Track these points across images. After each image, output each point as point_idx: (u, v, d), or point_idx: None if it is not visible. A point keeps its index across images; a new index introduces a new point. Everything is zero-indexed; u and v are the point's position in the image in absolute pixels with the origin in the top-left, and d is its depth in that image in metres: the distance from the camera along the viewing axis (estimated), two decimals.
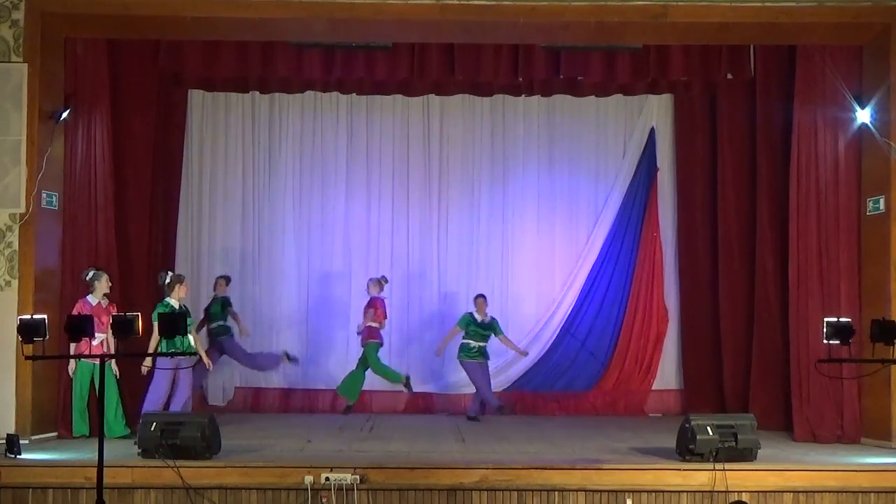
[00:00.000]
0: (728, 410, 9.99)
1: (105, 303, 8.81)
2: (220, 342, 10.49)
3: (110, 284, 8.89)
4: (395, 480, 7.05)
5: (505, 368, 11.25)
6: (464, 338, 10.42)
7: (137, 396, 9.29)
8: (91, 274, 8.75)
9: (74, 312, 8.38)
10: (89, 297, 8.72)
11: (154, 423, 7.34)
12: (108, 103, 9.24)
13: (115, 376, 8.78)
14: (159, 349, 8.25)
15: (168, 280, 8.92)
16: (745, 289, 10.26)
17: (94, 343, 8.41)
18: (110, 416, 8.67)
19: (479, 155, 11.61)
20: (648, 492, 7.06)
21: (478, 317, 10.40)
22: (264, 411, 11.15)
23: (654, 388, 11.38)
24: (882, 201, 8.74)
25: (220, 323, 10.54)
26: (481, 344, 10.42)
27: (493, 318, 10.51)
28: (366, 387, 11.25)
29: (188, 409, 8.99)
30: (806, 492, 7.09)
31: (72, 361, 8.54)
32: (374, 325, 10.50)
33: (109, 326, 6.24)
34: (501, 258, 11.54)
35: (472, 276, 11.48)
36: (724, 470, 7.04)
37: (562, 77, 10.39)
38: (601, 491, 7.05)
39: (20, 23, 8.51)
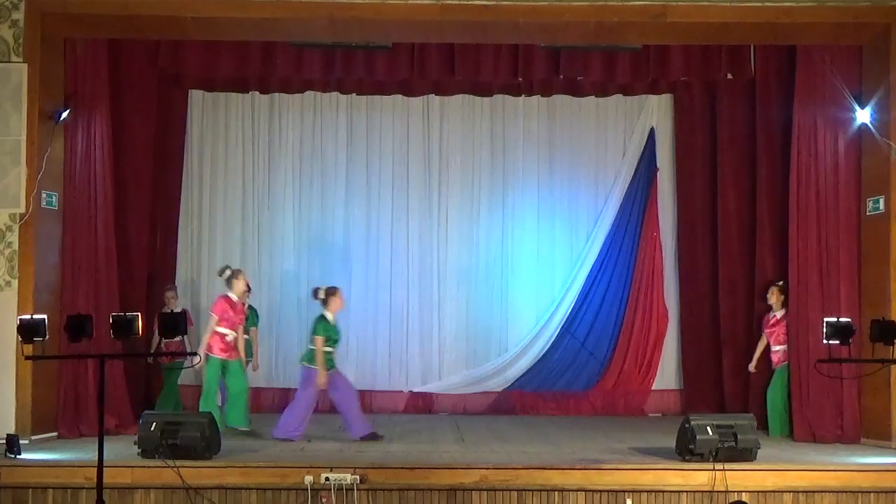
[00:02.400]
0: (728, 410, 9.99)
1: (246, 300, 8.86)
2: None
3: (248, 282, 9.00)
4: (394, 480, 7.05)
5: (504, 368, 11.25)
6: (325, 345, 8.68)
7: (137, 396, 9.35)
8: (228, 273, 8.82)
9: (216, 309, 8.75)
10: (230, 294, 8.82)
11: (154, 423, 7.34)
12: (108, 103, 9.23)
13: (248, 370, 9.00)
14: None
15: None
16: (745, 289, 10.26)
17: (229, 339, 8.72)
18: (240, 407, 8.85)
19: (478, 155, 11.61)
20: (648, 492, 7.06)
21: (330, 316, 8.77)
22: (264, 411, 11.13)
23: (654, 388, 11.39)
24: (882, 201, 8.73)
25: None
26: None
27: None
28: (365, 387, 11.27)
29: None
30: (806, 492, 7.08)
31: (200, 357, 8.68)
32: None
33: (110, 327, 6.23)
34: (501, 258, 11.54)
35: (471, 275, 11.48)
36: (724, 470, 7.03)
37: (562, 77, 10.40)
38: (601, 491, 7.04)
39: (20, 23, 8.50)
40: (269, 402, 11.31)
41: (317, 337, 8.53)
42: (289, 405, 8.90)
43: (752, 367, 9.63)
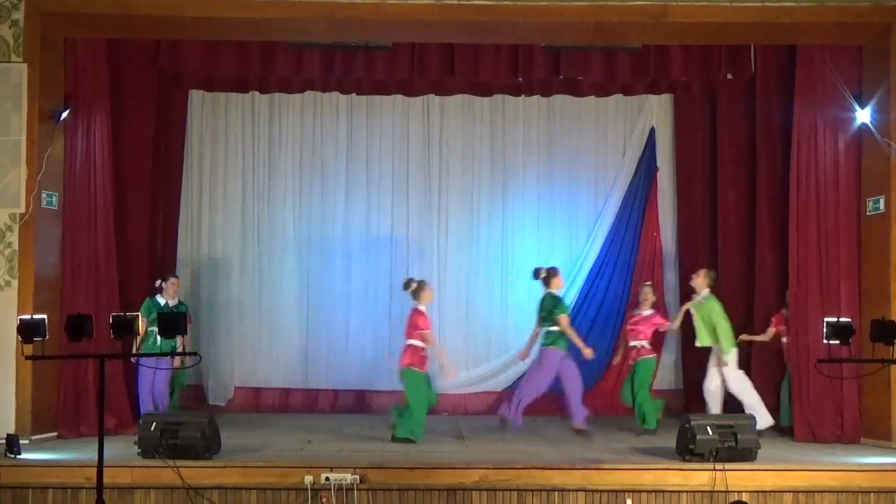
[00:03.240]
0: (728, 410, 9.98)
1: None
2: None
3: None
4: (394, 480, 7.06)
5: (504, 368, 11.24)
6: None
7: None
8: (415, 285, 8.86)
9: (423, 323, 8.73)
10: (421, 306, 8.83)
11: (154, 423, 7.34)
12: (108, 103, 9.24)
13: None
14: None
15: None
16: (745, 288, 10.26)
17: (426, 351, 8.77)
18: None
19: (478, 155, 11.60)
20: (648, 492, 7.06)
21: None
22: (264, 411, 11.15)
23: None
24: (882, 201, 8.74)
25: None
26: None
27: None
28: (365, 387, 11.30)
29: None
30: (806, 492, 7.09)
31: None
32: None
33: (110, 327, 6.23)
34: (501, 258, 11.53)
35: (471, 275, 11.48)
36: (724, 470, 7.04)
37: (562, 77, 10.39)
38: (601, 491, 7.05)
39: (20, 23, 8.51)
40: (269, 402, 11.31)
41: (563, 315, 8.83)
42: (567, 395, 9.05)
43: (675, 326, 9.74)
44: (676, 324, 9.72)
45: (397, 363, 8.89)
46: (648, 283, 9.98)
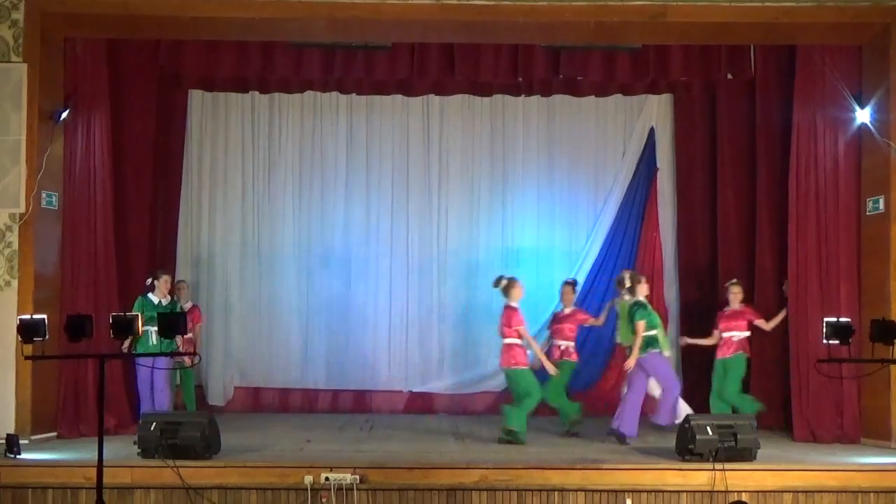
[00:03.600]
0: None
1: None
2: None
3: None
4: (394, 480, 7.05)
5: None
6: None
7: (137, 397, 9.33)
8: (505, 282, 8.85)
9: (520, 320, 8.69)
10: (513, 302, 8.81)
11: (154, 423, 7.34)
12: (108, 103, 9.23)
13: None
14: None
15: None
16: (745, 288, 10.24)
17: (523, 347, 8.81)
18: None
19: (478, 155, 11.60)
20: (648, 492, 7.06)
21: None
22: (264, 411, 11.15)
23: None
24: (882, 201, 8.74)
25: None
26: None
27: None
28: (365, 387, 11.29)
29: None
30: (805, 492, 7.09)
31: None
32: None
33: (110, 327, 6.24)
34: (501, 257, 11.51)
35: (471, 275, 11.47)
36: (723, 470, 7.04)
37: (561, 77, 10.39)
38: (601, 491, 7.05)
39: (20, 23, 8.51)
40: (269, 402, 11.31)
41: (639, 322, 8.75)
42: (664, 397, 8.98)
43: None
44: (602, 320, 9.62)
45: (498, 364, 8.96)
46: (570, 280, 9.81)
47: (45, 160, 8.57)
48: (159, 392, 9.06)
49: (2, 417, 8.15)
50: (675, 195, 11.53)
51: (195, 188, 11.48)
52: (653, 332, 8.82)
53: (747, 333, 9.37)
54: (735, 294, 9.48)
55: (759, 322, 9.46)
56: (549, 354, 9.36)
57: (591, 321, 9.64)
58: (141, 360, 8.82)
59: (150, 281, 9.39)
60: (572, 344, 9.45)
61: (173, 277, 9.91)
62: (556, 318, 9.66)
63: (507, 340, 8.77)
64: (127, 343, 8.68)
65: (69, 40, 8.95)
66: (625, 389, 9.07)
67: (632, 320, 8.83)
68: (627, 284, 9.01)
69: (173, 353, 8.19)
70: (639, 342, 8.76)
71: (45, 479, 7.10)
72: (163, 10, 8.54)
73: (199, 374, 10.94)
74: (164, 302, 9.22)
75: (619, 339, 9.29)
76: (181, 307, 9.55)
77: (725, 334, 9.37)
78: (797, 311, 9.20)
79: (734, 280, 9.65)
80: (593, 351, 11.26)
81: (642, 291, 9.02)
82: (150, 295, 9.22)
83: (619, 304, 9.24)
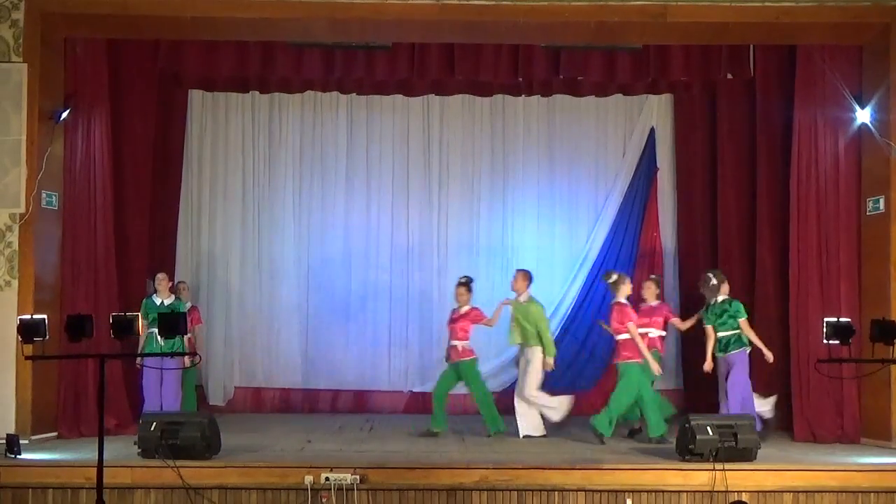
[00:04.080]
0: None
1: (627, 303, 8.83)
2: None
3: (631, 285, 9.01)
4: (394, 480, 7.05)
5: (504, 369, 11.22)
6: None
7: (137, 396, 9.33)
8: (615, 277, 8.83)
9: (620, 315, 8.66)
10: (622, 299, 8.79)
11: (154, 423, 7.34)
12: (108, 103, 9.23)
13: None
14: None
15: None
16: (745, 288, 10.25)
17: (653, 335, 8.93)
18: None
19: (479, 155, 11.61)
20: (648, 492, 7.06)
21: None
22: (264, 411, 11.15)
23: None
24: (882, 201, 8.74)
25: None
26: None
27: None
28: (365, 387, 11.29)
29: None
30: (806, 492, 7.09)
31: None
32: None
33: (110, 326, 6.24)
34: (501, 258, 11.53)
35: (471, 274, 11.42)
36: (724, 470, 7.04)
37: (562, 77, 10.40)
38: (601, 491, 7.05)
39: (20, 23, 8.51)
40: (269, 402, 11.32)
41: (743, 320, 8.64)
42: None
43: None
44: (494, 321, 9.37)
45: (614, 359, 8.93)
46: (463, 279, 9.44)
47: (45, 160, 8.56)
48: (170, 394, 9.01)
49: (2, 417, 8.14)
50: (675, 195, 11.55)
51: (195, 188, 11.49)
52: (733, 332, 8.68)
53: (663, 333, 9.27)
54: (650, 290, 9.32)
55: (675, 321, 9.44)
56: (447, 355, 9.26)
57: (484, 321, 9.33)
58: (148, 361, 8.79)
59: (150, 283, 9.40)
60: (467, 343, 9.22)
61: (172, 276, 9.88)
62: (451, 318, 9.40)
63: (621, 337, 8.75)
64: (141, 344, 8.72)
65: (69, 40, 8.94)
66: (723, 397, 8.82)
67: (733, 317, 8.68)
68: (714, 282, 8.79)
69: (174, 354, 8.17)
70: (755, 338, 8.65)
71: (45, 480, 7.10)
72: (163, 10, 8.54)
73: (199, 374, 10.94)
74: (167, 301, 9.20)
75: (510, 341, 9.18)
76: (185, 305, 9.54)
77: (640, 330, 9.05)
78: (797, 311, 9.20)
79: (653, 276, 9.61)
80: (593, 351, 11.28)
81: (725, 290, 8.86)
82: (153, 296, 9.22)
83: (513, 305, 9.14)
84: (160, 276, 9.30)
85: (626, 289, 8.84)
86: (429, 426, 9.13)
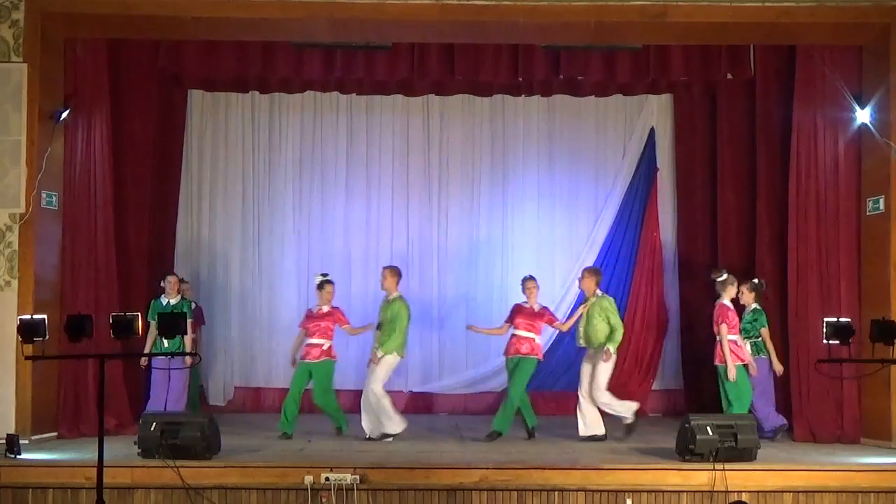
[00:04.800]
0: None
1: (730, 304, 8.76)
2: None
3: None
4: (395, 480, 7.05)
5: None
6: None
7: (137, 397, 9.34)
8: (725, 276, 8.74)
9: (723, 316, 8.48)
10: (727, 301, 8.67)
11: (154, 423, 7.34)
12: (108, 103, 9.23)
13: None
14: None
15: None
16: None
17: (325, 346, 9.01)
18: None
19: (479, 155, 11.61)
20: (648, 492, 7.06)
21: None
22: (264, 411, 11.14)
23: (654, 388, 11.39)
24: (882, 201, 8.74)
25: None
26: None
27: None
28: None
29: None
30: (806, 492, 7.09)
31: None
32: None
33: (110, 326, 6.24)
34: (501, 258, 11.53)
35: (471, 275, 11.48)
36: (724, 470, 7.04)
37: (561, 77, 10.40)
38: (601, 491, 7.05)
39: (20, 23, 8.51)
40: (269, 402, 11.30)
41: (763, 329, 9.00)
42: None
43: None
44: (358, 330, 9.36)
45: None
46: (324, 276, 9.33)
47: (45, 160, 8.56)
48: (175, 394, 9.01)
49: (2, 417, 8.14)
50: (675, 195, 11.55)
51: (195, 188, 11.49)
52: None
53: (534, 336, 9.06)
54: (531, 290, 9.14)
55: (556, 324, 9.42)
56: (305, 354, 9.12)
57: (345, 325, 9.29)
58: (154, 362, 8.79)
59: (161, 283, 9.40)
60: (331, 342, 9.17)
61: (180, 277, 9.88)
62: (310, 317, 9.28)
63: (731, 337, 8.57)
64: (148, 346, 8.71)
65: (69, 40, 8.95)
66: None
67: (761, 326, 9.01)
68: (722, 277, 8.77)
69: (173, 354, 8.17)
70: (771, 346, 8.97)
71: (45, 480, 7.11)
72: (163, 10, 8.54)
73: (200, 374, 10.93)
74: (174, 302, 9.20)
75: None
76: (190, 306, 9.54)
77: (517, 331, 9.01)
78: (797, 311, 9.20)
79: (529, 275, 9.34)
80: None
81: (749, 299, 9.13)
82: (161, 298, 9.22)
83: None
84: (170, 278, 9.32)
85: (732, 290, 8.77)
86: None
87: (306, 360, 9.09)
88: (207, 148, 11.53)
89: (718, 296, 8.71)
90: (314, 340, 9.14)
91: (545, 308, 9.34)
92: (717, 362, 8.61)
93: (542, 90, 11.33)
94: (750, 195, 10.26)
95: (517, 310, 9.23)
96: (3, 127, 8.46)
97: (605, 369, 8.89)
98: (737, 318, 8.65)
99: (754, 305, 9.10)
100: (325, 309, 9.26)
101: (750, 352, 8.88)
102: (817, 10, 8.54)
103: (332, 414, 9.19)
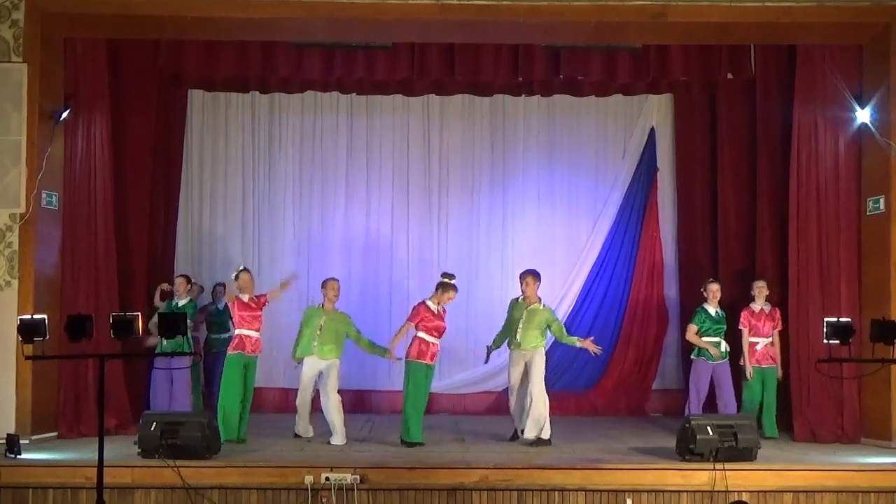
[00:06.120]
0: None
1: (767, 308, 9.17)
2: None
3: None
4: (395, 480, 7.06)
5: (504, 369, 11.20)
6: None
7: (137, 397, 9.34)
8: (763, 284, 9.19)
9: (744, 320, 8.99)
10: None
11: (154, 423, 7.34)
12: (108, 103, 9.23)
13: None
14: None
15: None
16: (745, 288, 10.24)
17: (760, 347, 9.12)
18: None
19: (478, 155, 11.61)
20: (648, 492, 7.06)
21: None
22: (264, 411, 11.13)
23: (654, 387, 11.39)
24: (882, 201, 8.74)
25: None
26: None
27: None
28: (366, 387, 11.26)
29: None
30: (806, 492, 7.10)
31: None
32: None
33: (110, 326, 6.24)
34: (501, 258, 11.52)
35: (471, 276, 11.46)
36: (724, 470, 7.04)
37: (562, 77, 10.39)
38: (601, 491, 7.05)
39: (20, 23, 8.51)
40: (270, 402, 11.30)
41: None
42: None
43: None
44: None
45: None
46: (232, 273, 8.98)
47: (45, 160, 8.56)
48: (180, 394, 9.01)
49: (2, 417, 8.14)
50: (675, 195, 11.54)
51: (195, 188, 11.48)
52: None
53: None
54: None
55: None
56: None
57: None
58: (159, 363, 8.78)
59: (168, 287, 9.44)
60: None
61: (188, 278, 9.85)
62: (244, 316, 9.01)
63: (424, 339, 8.84)
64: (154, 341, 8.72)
65: (69, 40, 8.94)
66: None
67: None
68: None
69: (174, 354, 8.17)
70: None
71: (45, 479, 7.11)
72: (163, 10, 8.54)
73: (200, 374, 10.92)
74: (182, 303, 9.20)
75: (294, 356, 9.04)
76: (196, 306, 9.55)
77: (420, 333, 8.99)
78: (797, 311, 9.20)
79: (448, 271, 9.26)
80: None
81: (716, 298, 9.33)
82: (173, 300, 9.23)
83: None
84: (178, 279, 9.35)
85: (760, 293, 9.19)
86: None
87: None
88: (207, 148, 11.52)
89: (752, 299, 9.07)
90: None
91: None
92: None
93: (542, 90, 11.32)
94: (750, 195, 10.26)
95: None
96: (3, 127, 8.46)
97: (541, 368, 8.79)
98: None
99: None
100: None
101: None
102: (817, 10, 8.54)
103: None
